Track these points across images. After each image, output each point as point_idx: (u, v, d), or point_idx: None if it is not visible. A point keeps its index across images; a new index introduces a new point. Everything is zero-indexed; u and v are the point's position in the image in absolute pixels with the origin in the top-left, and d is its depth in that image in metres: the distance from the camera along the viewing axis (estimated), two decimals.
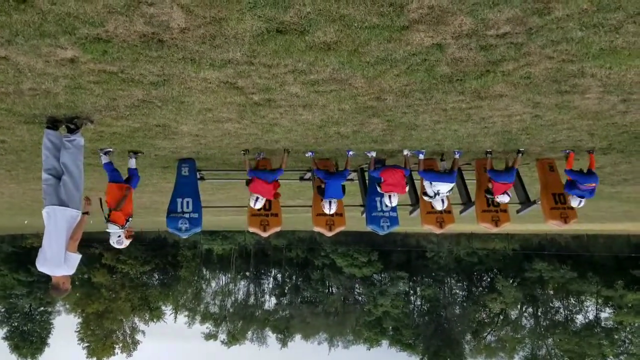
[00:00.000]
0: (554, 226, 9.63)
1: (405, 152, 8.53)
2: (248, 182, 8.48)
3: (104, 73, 4.94)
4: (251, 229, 9.15)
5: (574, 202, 8.71)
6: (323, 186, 8.66)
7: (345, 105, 6.16)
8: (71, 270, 5.58)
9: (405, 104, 6.16)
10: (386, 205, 8.92)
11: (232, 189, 13.73)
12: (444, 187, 8.64)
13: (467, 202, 10.05)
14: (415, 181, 10.08)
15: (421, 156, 8.60)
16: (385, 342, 47.96)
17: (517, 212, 10.30)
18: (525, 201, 9.88)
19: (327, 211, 8.67)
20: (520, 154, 8.65)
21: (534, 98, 6.01)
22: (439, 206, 8.80)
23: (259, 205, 8.41)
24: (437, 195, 8.71)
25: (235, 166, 9.60)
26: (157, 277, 56.09)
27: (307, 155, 8.67)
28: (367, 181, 9.90)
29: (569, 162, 8.62)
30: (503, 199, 8.85)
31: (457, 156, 8.65)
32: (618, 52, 4.79)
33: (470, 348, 46.72)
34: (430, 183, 8.71)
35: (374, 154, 8.59)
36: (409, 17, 4.10)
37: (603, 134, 7.76)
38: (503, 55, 4.80)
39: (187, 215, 8.55)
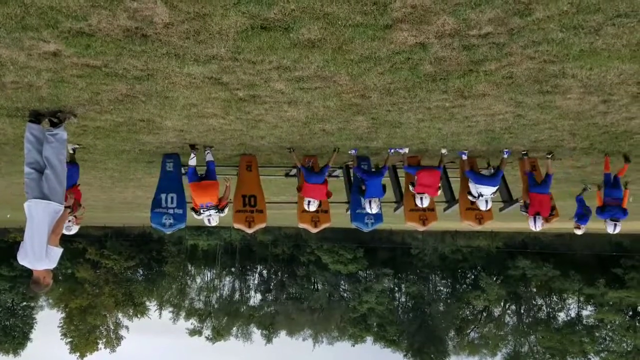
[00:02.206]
0: None
1: (444, 151, 8.64)
2: (299, 189, 8.81)
3: (88, 67, 4.92)
4: (236, 225, 9.14)
5: (609, 227, 8.80)
6: (364, 187, 8.74)
7: (330, 103, 6.19)
8: (52, 264, 5.55)
9: (390, 102, 6.20)
10: (419, 206, 8.97)
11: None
12: (487, 190, 8.76)
13: (450, 200, 10.13)
14: (400, 178, 10.15)
15: (464, 156, 8.82)
16: (369, 339, 48.22)
17: (500, 210, 10.40)
18: (508, 200, 9.98)
19: (370, 211, 8.79)
20: (506, 154, 8.73)
21: (516, 98, 6.08)
22: (482, 207, 8.92)
23: (313, 207, 8.67)
24: (480, 197, 8.81)
25: (221, 162, 9.57)
26: (141, 273, 55.77)
27: (350, 152, 8.80)
28: (352, 178, 9.94)
29: (606, 165, 8.88)
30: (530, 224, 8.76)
31: (505, 156, 8.73)
32: (598, 53, 4.87)
33: (453, 345, 47.13)
34: (475, 184, 8.81)
35: (406, 150, 8.67)
36: (393, 16, 4.13)
37: (584, 134, 7.86)
38: (485, 55, 4.86)
39: (171, 211, 8.52)
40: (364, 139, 8.07)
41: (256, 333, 52.01)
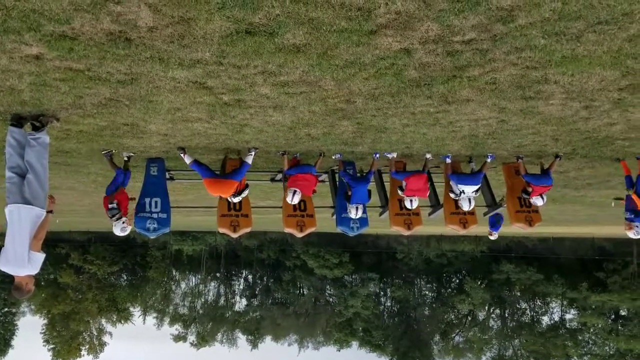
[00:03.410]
0: (519, 229, 9.82)
1: (428, 155, 8.69)
2: (286, 179, 8.66)
3: (70, 71, 4.87)
4: (221, 230, 9.09)
5: (630, 233, 8.77)
6: (350, 193, 8.72)
7: (315, 107, 6.20)
8: (35, 270, 5.48)
9: (375, 107, 6.22)
10: (409, 207, 9.02)
11: (202, 189, 13.56)
12: (468, 188, 8.83)
13: (435, 205, 10.18)
14: (385, 183, 10.18)
15: (448, 160, 8.89)
16: (355, 343, 48.27)
17: (484, 214, 10.47)
18: (492, 204, 10.05)
19: (353, 216, 8.77)
20: (490, 159, 8.80)
21: (499, 103, 6.14)
22: (465, 206, 8.93)
23: (296, 200, 8.43)
24: (462, 194, 8.88)
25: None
26: (125, 278, 55.37)
27: (335, 157, 8.81)
28: (337, 183, 9.95)
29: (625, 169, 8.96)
30: (537, 201, 8.89)
31: (489, 160, 8.83)
32: (579, 60, 4.93)
33: (438, 349, 47.37)
34: (457, 184, 8.92)
35: (394, 154, 8.72)
36: (377, 21, 4.15)
37: (567, 139, 7.96)
38: (469, 61, 4.89)
39: (155, 215, 8.45)
40: (349, 143, 8.08)
41: (241, 338, 51.89)
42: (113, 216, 7.99)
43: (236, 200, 8.28)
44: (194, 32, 4.22)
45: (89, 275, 49.35)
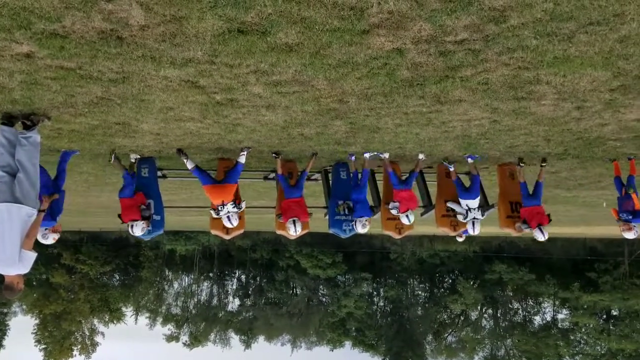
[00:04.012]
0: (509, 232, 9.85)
1: (421, 156, 8.75)
2: (280, 216, 8.57)
3: (62, 69, 4.84)
4: (213, 232, 9.05)
5: (630, 234, 8.68)
6: (352, 206, 8.84)
7: (308, 107, 6.19)
8: (25, 269, 5.46)
9: (368, 106, 6.22)
10: (406, 223, 9.02)
11: (195, 189, 13.57)
12: (473, 203, 8.93)
13: (427, 205, 10.19)
14: (378, 182, 10.18)
15: (452, 168, 8.96)
16: (348, 343, 48.28)
17: None
18: (485, 204, 10.06)
19: (360, 231, 8.83)
20: (470, 159, 8.84)
21: (491, 104, 6.15)
22: (471, 231, 9.06)
23: (299, 229, 8.33)
24: (468, 213, 8.92)
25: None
26: (117, 278, 55.13)
27: (348, 158, 8.88)
28: (330, 183, 9.94)
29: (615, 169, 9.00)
30: (537, 234, 8.84)
31: (470, 161, 8.91)
32: (571, 60, 4.94)
33: (431, 348, 47.46)
34: (460, 199, 8.98)
35: (387, 155, 8.72)
36: (369, 21, 4.15)
37: (559, 139, 7.98)
38: (461, 61, 4.90)
39: None
40: (342, 143, 8.08)
41: (234, 338, 51.79)
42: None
43: (234, 222, 8.11)
44: (186, 30, 4.20)
45: (81, 275, 49.10)
